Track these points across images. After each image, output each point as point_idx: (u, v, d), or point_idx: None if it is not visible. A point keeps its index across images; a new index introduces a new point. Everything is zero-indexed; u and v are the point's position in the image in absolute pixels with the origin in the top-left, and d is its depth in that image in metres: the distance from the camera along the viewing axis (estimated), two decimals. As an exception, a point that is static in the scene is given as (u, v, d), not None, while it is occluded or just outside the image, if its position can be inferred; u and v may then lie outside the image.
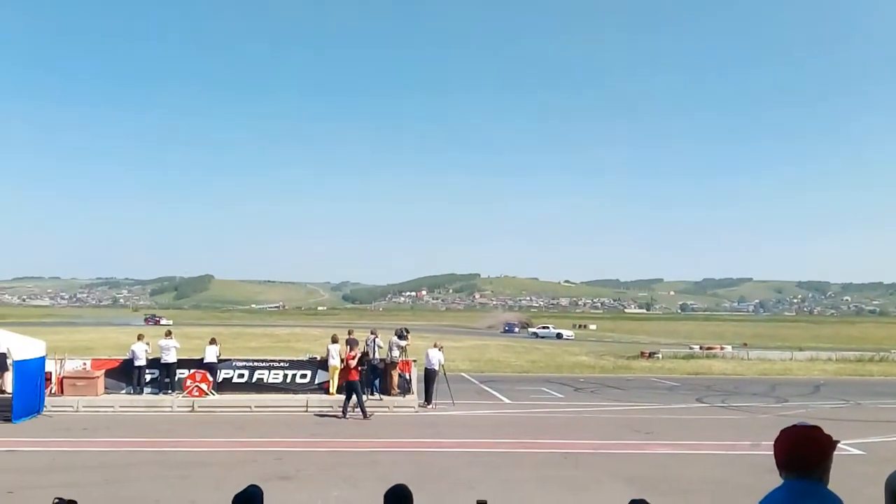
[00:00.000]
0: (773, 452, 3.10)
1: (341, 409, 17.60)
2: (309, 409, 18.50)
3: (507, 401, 21.41)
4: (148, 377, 19.74)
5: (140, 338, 19.97)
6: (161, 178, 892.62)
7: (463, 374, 20.69)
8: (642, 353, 41.52)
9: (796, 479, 3.00)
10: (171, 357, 19.72)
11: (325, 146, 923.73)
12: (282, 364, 20.80)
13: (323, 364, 20.35)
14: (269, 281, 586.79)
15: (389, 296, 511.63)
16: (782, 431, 3.15)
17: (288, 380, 20.33)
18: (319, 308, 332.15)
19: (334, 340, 20.22)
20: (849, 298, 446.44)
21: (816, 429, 3.16)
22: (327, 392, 19.80)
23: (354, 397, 17.51)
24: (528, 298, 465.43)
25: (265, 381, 20.22)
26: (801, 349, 47.20)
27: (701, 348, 47.31)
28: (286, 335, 59.83)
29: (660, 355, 41.21)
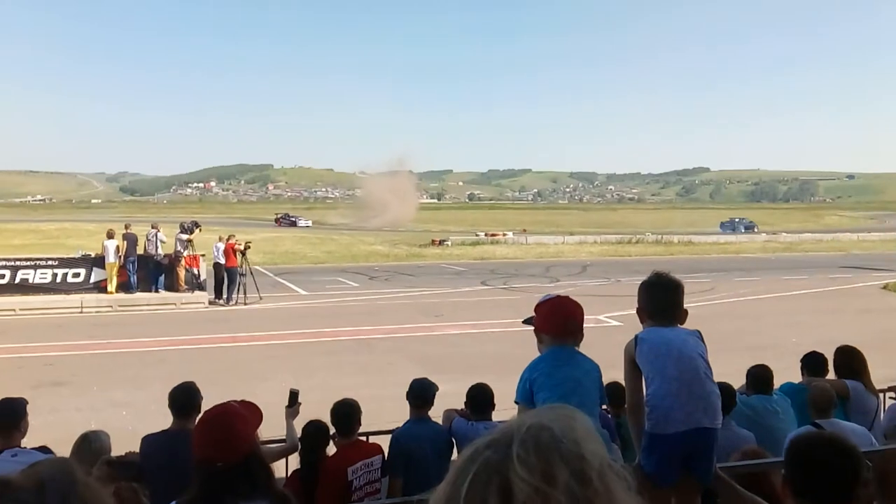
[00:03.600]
0: (536, 319, 3.26)
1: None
2: (84, 311, 17.29)
3: (302, 292, 21.37)
4: None
5: None
6: None
7: (257, 267, 20.32)
8: (433, 241, 42.82)
9: (557, 347, 3.19)
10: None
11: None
12: (50, 262, 18.94)
13: (98, 261, 18.92)
14: (30, 171, 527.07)
15: (174, 187, 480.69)
16: (549, 300, 3.31)
17: (58, 280, 18.66)
18: (93, 201, 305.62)
19: (110, 236, 18.77)
20: (612, 188, 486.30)
21: (568, 298, 3.36)
22: (105, 291, 18.55)
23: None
24: (324, 189, 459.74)
25: (31, 281, 18.41)
26: (571, 234, 51.06)
27: (486, 235, 49.65)
28: (55, 231, 54.50)
29: (449, 242, 42.75)
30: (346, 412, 4.47)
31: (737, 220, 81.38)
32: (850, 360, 5.08)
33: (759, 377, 4.90)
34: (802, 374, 5.30)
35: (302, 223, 77.02)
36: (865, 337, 10.42)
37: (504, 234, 50.11)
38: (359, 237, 50.39)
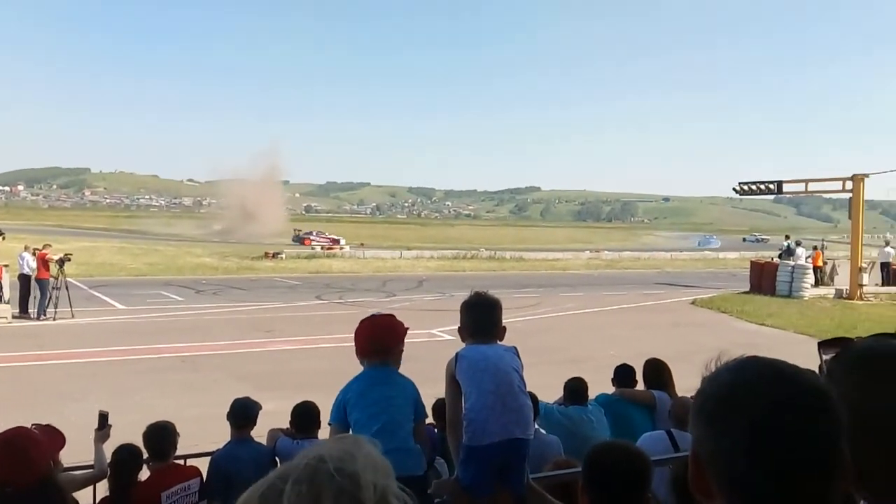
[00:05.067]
0: (354, 342, 3.31)
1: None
2: None
3: (120, 307, 20.00)
4: None
5: None
6: None
7: (70, 279, 18.74)
8: (266, 254, 41.73)
9: (374, 366, 3.26)
10: None
11: None
12: None
13: None
14: None
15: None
16: (361, 322, 3.38)
17: None
18: None
19: None
20: (450, 203, 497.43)
21: (391, 317, 3.44)
22: None
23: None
24: (148, 197, 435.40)
25: None
26: (409, 248, 51.63)
27: (322, 248, 49.10)
28: None
29: (283, 255, 41.84)
30: (160, 434, 4.26)
31: (707, 236, 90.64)
32: (657, 372, 5.46)
33: (575, 389, 5.15)
34: (614, 386, 5.62)
35: (317, 239, 66.23)
36: (675, 349, 11.30)
37: (341, 248, 49.78)
38: (185, 248, 48.07)
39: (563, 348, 14.20)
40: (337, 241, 61.85)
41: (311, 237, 65.69)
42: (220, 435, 4.87)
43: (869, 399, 1.26)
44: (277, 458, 4.54)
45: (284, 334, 15.90)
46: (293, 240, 65.18)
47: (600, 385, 5.74)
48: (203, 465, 4.52)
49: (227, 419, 4.65)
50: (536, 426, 4.43)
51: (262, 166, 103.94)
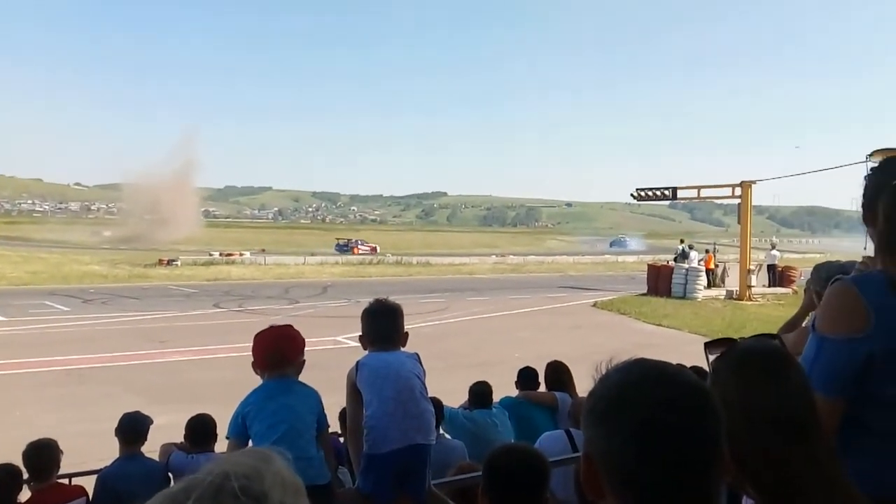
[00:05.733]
0: (252, 355, 3.25)
1: None
2: None
3: (0, 318, 18.85)
4: None
5: None
6: None
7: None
8: (160, 261, 40.32)
9: (271, 379, 3.23)
10: None
11: None
12: None
13: None
14: None
15: None
16: (258, 334, 3.32)
17: None
18: None
19: None
20: (355, 208, 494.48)
21: (290, 327, 3.40)
22: None
23: None
24: (31, 202, 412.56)
25: None
26: (313, 254, 51.01)
27: (221, 254, 47.82)
28: None
29: (178, 262, 40.54)
30: (41, 452, 4.07)
31: (622, 237, 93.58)
32: (558, 374, 5.55)
33: (480, 393, 5.19)
34: (517, 388, 5.68)
35: (362, 247, 64.59)
36: (577, 351, 11.55)
37: (241, 254, 48.65)
38: (72, 256, 45.67)
39: (470, 352, 14.29)
40: (375, 249, 61.44)
41: (358, 245, 65.23)
42: (108, 451, 4.71)
43: (749, 397, 1.36)
44: (171, 474, 4.40)
45: (179, 344, 15.32)
46: (336, 248, 64.11)
47: (506, 388, 5.78)
48: (90, 483, 4.36)
49: (116, 434, 4.49)
50: (441, 431, 4.42)
51: (171, 167, 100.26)
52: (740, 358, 1.43)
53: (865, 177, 1.93)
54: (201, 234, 78.65)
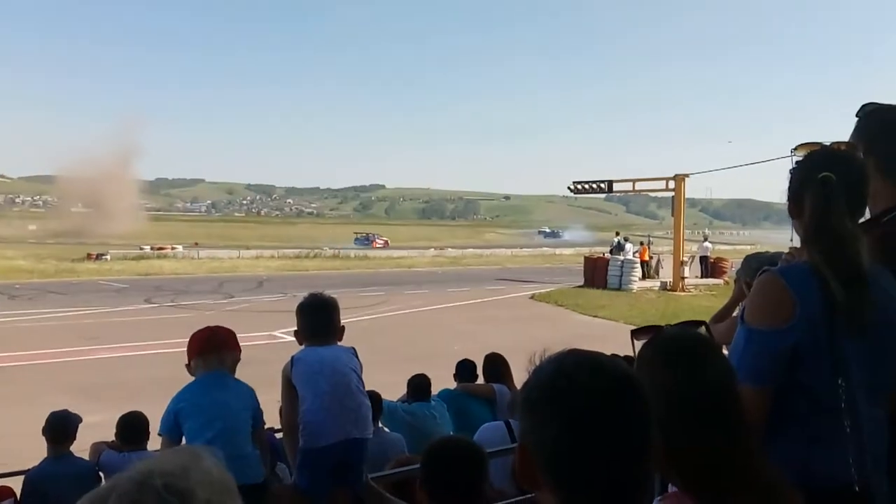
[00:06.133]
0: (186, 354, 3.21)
1: None
2: None
3: (-84, 316, 17.99)
4: None
5: None
6: None
7: None
8: (89, 255, 39.10)
9: (205, 375, 3.19)
10: None
11: None
12: None
13: None
14: None
15: None
16: (193, 335, 3.29)
17: None
18: None
19: None
20: (291, 201, 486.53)
21: (223, 327, 3.39)
22: None
23: None
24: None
25: None
26: (248, 248, 50.11)
27: (152, 248, 46.65)
28: None
29: (108, 257, 39.38)
30: None
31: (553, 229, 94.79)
32: (496, 366, 5.60)
33: (418, 385, 5.21)
34: (456, 381, 5.71)
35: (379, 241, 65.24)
36: (515, 342, 11.63)
37: (173, 248, 47.54)
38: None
39: (409, 345, 14.29)
40: (387, 243, 61.22)
41: (376, 238, 66.44)
42: (36, 452, 4.57)
43: (670, 383, 1.38)
44: (102, 474, 4.32)
45: (110, 341, 14.87)
46: (356, 242, 63.80)
47: (444, 381, 5.81)
48: (17, 484, 4.29)
49: (43, 434, 4.39)
50: (379, 425, 4.42)
51: (107, 159, 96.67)
52: (663, 345, 1.46)
53: (791, 170, 1.98)
54: (143, 227, 76.27)
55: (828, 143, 2.16)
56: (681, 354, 1.43)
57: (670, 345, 1.47)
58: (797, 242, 2.04)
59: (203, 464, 0.84)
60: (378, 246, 59.61)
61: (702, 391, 1.37)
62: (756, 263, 2.52)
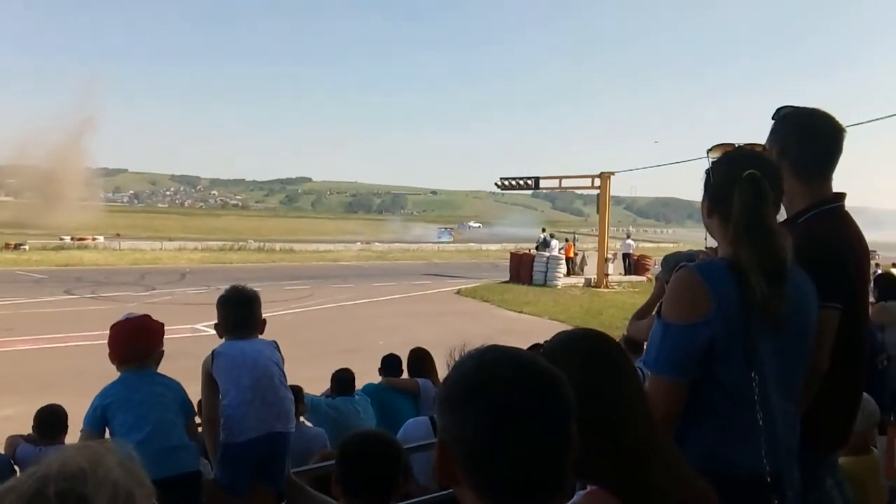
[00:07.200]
0: (108, 348, 3.12)
1: None
2: None
3: None
4: None
5: None
6: None
7: None
8: (7, 245, 37.48)
9: (133, 371, 3.12)
10: None
11: None
12: None
13: None
14: None
15: None
16: (114, 325, 3.20)
17: None
18: None
19: None
20: (216, 192, 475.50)
21: (147, 317, 3.31)
22: None
23: None
24: None
25: None
26: (171, 239, 48.80)
27: (72, 239, 44.98)
28: None
29: (27, 247, 37.83)
30: None
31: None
32: (420, 360, 5.65)
33: (342, 380, 5.21)
34: (381, 375, 5.73)
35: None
36: (440, 337, 11.71)
37: (94, 239, 45.93)
38: None
39: (333, 339, 14.19)
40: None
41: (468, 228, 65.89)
42: None
43: (576, 381, 1.38)
44: (17, 468, 4.20)
45: (27, 332, 14.33)
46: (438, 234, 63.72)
47: (369, 375, 5.83)
48: None
49: None
50: (302, 419, 4.41)
51: (57, 147, 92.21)
52: (569, 344, 1.48)
53: (707, 170, 2.00)
54: (53, 218, 72.97)
55: (740, 145, 2.22)
56: (584, 353, 1.44)
57: (575, 343, 1.49)
58: (711, 242, 2.09)
59: (105, 467, 0.80)
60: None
61: (608, 389, 1.37)
62: (674, 262, 2.55)
